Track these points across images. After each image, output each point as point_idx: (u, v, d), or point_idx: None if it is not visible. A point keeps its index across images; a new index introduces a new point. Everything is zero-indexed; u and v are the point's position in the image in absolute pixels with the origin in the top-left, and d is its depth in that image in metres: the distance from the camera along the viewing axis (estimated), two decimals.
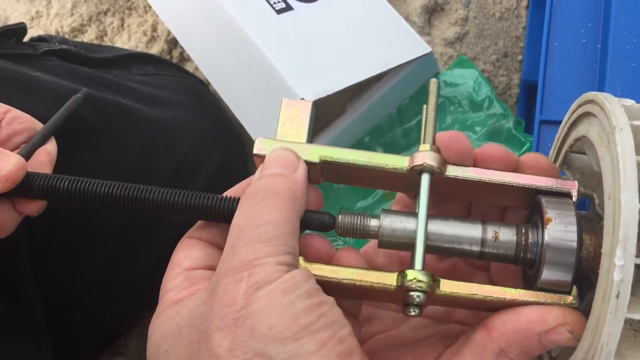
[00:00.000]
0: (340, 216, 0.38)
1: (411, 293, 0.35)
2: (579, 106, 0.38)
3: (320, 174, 0.40)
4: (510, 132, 0.72)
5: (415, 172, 0.38)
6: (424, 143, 0.38)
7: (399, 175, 0.38)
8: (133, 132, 0.67)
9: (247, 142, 0.80)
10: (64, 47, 0.70)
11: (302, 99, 0.65)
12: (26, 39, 0.73)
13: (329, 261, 0.38)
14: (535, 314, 0.34)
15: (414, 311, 0.36)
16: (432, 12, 0.84)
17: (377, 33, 0.72)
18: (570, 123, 0.40)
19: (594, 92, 0.36)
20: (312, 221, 0.38)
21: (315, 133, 0.80)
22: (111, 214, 0.63)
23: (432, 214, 0.38)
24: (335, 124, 0.79)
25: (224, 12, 0.68)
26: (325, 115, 0.81)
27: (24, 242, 0.57)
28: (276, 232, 0.34)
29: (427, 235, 0.37)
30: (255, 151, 0.39)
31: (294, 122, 0.40)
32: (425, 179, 0.37)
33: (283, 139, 0.39)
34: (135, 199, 0.39)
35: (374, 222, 0.38)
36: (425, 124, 0.39)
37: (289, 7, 0.71)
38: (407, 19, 0.83)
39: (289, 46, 0.68)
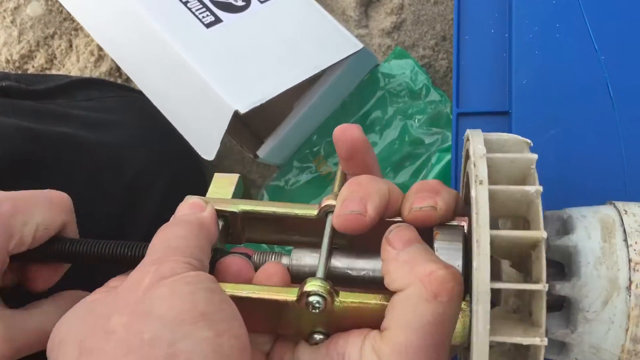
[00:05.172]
0: (255, 255, 0.41)
1: (310, 298, 0.36)
2: (466, 140, 0.40)
3: (242, 231, 0.43)
4: (449, 117, 0.73)
5: (323, 214, 0.41)
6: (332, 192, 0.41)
7: (311, 221, 0.41)
8: (80, 160, 0.68)
9: (198, 154, 0.81)
10: (4, 84, 0.71)
11: (236, 110, 0.67)
12: None
13: (249, 282, 0.41)
14: None
15: (318, 336, 0.38)
16: (367, 4, 0.85)
17: (308, 36, 0.73)
18: (465, 150, 0.41)
19: (469, 138, 0.37)
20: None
21: (265, 135, 0.82)
22: (92, 204, 0.65)
23: (337, 250, 0.40)
24: (283, 124, 0.81)
25: (153, 31, 0.70)
26: (274, 116, 0.83)
27: None
28: (185, 244, 0.36)
29: (329, 263, 0.39)
30: None
31: (222, 189, 0.45)
32: (330, 219, 0.40)
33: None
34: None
35: (285, 260, 0.41)
36: (335, 179, 0.44)
37: (218, 20, 0.72)
38: (343, 13, 0.84)
39: (221, 59, 0.69)
